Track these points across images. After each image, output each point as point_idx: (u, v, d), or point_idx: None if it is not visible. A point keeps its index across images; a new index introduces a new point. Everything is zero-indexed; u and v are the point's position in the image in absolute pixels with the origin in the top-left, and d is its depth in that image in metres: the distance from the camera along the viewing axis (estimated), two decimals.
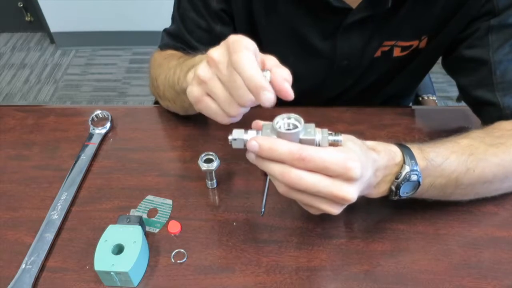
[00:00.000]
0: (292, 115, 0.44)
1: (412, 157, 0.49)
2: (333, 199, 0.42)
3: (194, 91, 0.47)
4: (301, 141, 0.43)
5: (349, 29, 0.66)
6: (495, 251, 0.55)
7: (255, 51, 0.43)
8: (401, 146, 0.51)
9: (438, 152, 0.53)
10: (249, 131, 0.45)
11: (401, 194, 0.51)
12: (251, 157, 0.45)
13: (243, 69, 0.41)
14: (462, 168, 0.53)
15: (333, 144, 0.43)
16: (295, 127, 0.43)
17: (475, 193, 0.57)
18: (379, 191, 0.51)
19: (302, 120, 0.43)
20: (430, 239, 0.57)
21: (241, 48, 0.42)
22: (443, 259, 0.55)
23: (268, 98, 0.40)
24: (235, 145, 0.45)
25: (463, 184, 0.54)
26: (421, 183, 0.50)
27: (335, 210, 0.44)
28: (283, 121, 0.44)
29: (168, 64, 0.66)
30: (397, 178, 0.49)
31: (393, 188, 0.50)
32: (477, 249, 0.55)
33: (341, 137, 0.43)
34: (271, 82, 0.42)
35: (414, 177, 0.49)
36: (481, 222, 0.58)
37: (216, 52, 0.44)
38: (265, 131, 0.44)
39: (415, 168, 0.49)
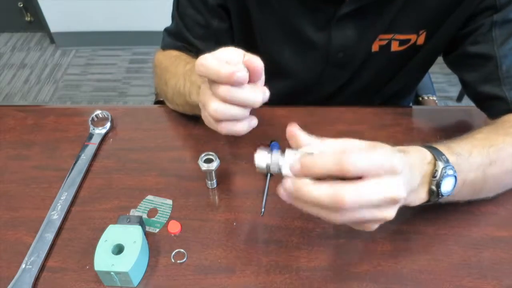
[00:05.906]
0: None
1: (441, 153, 0.49)
2: (385, 202, 0.41)
3: (212, 124, 0.50)
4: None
5: (343, 20, 0.66)
6: (495, 251, 0.55)
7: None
8: (426, 146, 0.50)
9: (462, 147, 0.52)
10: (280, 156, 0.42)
11: (443, 193, 0.48)
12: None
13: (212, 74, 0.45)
14: (486, 161, 0.53)
15: None
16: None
17: (502, 186, 0.57)
18: (420, 197, 0.48)
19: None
20: (430, 239, 0.57)
21: (201, 70, 0.46)
22: (443, 259, 0.55)
23: (240, 77, 0.44)
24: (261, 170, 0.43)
25: (490, 177, 0.54)
26: (457, 178, 0.49)
27: (391, 213, 0.42)
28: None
29: (176, 69, 0.67)
30: (434, 176, 0.48)
31: (434, 188, 0.48)
32: (477, 249, 0.55)
33: None
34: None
35: (450, 172, 0.47)
36: (481, 222, 0.59)
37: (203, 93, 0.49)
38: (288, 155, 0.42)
39: (448, 163, 0.48)
